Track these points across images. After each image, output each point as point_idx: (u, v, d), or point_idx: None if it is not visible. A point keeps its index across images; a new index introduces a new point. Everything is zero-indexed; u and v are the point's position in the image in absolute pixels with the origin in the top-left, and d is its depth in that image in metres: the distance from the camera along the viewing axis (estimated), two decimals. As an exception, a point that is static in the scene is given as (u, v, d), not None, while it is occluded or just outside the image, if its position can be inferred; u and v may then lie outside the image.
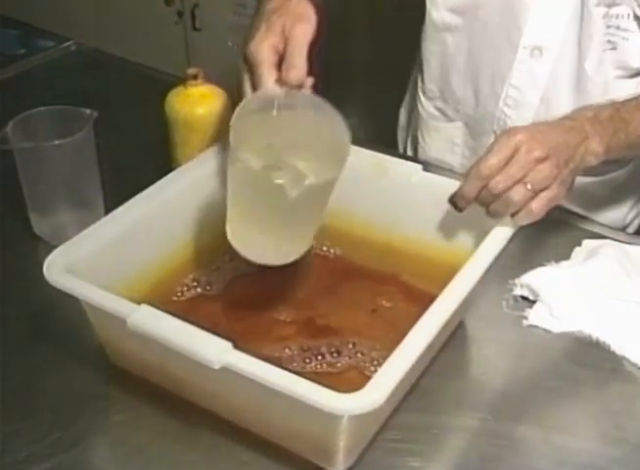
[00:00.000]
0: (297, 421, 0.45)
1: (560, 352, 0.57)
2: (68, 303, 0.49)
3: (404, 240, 0.60)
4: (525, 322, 0.59)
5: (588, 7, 0.63)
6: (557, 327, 0.58)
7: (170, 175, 0.59)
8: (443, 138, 0.79)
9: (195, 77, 0.69)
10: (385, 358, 0.43)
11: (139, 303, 0.47)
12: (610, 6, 0.62)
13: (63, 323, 0.58)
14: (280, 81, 0.51)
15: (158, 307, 0.46)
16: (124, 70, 0.95)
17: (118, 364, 0.54)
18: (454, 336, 0.57)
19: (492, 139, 0.73)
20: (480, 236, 0.53)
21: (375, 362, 0.52)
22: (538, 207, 0.51)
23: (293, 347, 0.54)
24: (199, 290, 0.59)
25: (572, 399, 0.54)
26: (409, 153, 0.85)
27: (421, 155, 0.82)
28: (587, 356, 0.56)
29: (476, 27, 0.70)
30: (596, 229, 0.68)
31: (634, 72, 0.65)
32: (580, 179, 0.55)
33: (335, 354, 0.53)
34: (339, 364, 0.53)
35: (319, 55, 0.52)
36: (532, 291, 0.60)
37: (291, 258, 0.52)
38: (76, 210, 0.65)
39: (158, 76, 0.92)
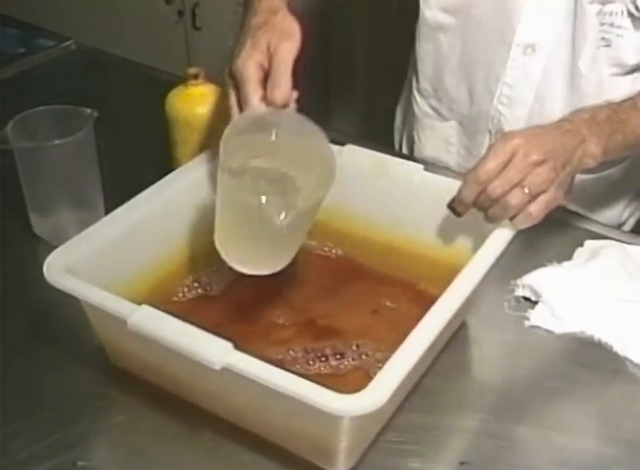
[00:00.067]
0: (298, 422, 0.45)
1: (562, 353, 0.57)
2: (68, 303, 0.49)
3: (405, 240, 0.60)
4: (526, 323, 0.58)
5: (582, 4, 0.63)
6: (559, 328, 0.58)
7: (171, 175, 0.59)
8: (438, 137, 0.79)
9: (195, 77, 0.69)
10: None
11: (139, 303, 0.46)
12: (603, 3, 0.62)
13: (63, 323, 0.58)
14: (265, 99, 0.51)
15: (158, 308, 0.46)
16: (125, 69, 0.95)
17: (119, 365, 0.54)
18: (456, 336, 0.57)
19: (487, 138, 0.75)
20: (482, 237, 0.53)
21: (379, 364, 0.52)
22: (537, 210, 0.51)
23: (296, 349, 0.54)
24: (199, 291, 0.59)
25: (574, 399, 0.54)
26: (405, 152, 0.85)
27: (416, 154, 0.82)
28: (589, 357, 0.56)
29: (469, 26, 0.70)
30: (598, 229, 0.68)
31: (629, 69, 0.65)
32: (576, 177, 0.55)
33: (338, 357, 0.53)
34: (342, 366, 0.53)
35: (304, 69, 0.52)
36: (534, 291, 0.60)
37: (277, 268, 0.52)
38: (76, 210, 0.65)
39: (158, 76, 0.91)
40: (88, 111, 0.63)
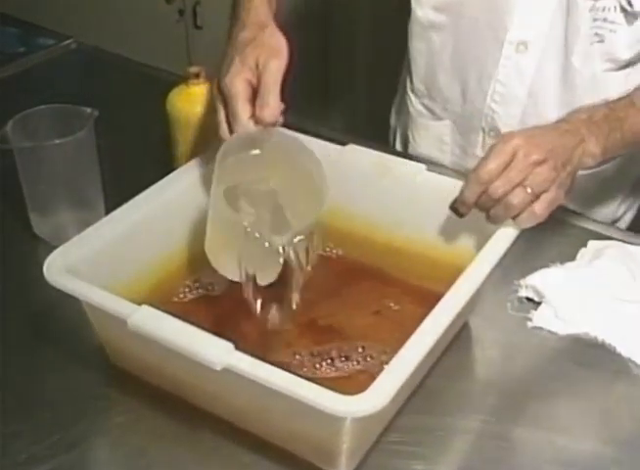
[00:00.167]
0: (299, 423, 0.45)
1: (564, 354, 0.57)
2: (68, 303, 0.49)
3: (407, 240, 0.60)
4: (529, 324, 0.58)
5: (574, 0, 0.63)
6: (562, 329, 0.58)
7: (171, 175, 0.59)
8: (432, 136, 0.79)
9: (196, 76, 0.68)
10: (395, 362, 0.43)
11: (139, 303, 0.46)
12: None
13: (63, 324, 0.58)
14: (254, 117, 0.52)
15: (158, 308, 0.46)
16: (125, 68, 0.95)
17: (119, 365, 0.54)
18: (458, 337, 0.57)
19: (481, 136, 0.75)
20: (484, 237, 0.53)
21: (385, 366, 0.52)
22: (541, 208, 0.51)
23: (303, 352, 0.53)
24: (200, 291, 0.59)
25: (577, 400, 0.54)
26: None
27: (411, 153, 0.82)
28: (592, 358, 0.56)
29: (460, 25, 0.70)
30: (601, 230, 0.68)
31: (622, 64, 0.65)
32: None
33: (344, 359, 0.53)
34: (346, 367, 0.53)
35: (291, 81, 0.53)
36: (537, 292, 0.59)
37: (266, 281, 0.53)
38: (76, 210, 0.65)
39: (159, 75, 0.91)
40: (88, 110, 0.63)
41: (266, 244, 0.50)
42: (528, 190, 0.51)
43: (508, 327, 0.58)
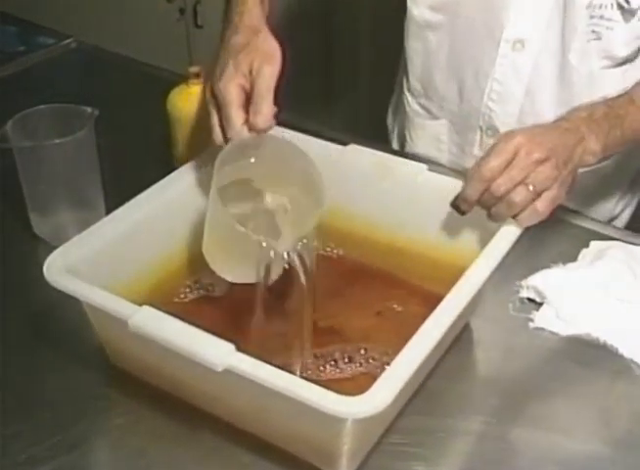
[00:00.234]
0: (300, 424, 0.45)
1: (566, 355, 0.56)
2: (68, 303, 0.49)
3: (408, 240, 0.59)
4: (531, 325, 0.58)
5: None
6: (564, 330, 0.57)
7: (172, 175, 0.59)
8: (429, 136, 0.79)
9: (197, 75, 0.68)
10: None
11: (140, 304, 0.46)
12: None
13: (63, 324, 0.58)
14: (247, 123, 0.52)
15: (159, 309, 0.46)
16: (125, 67, 0.94)
17: (119, 366, 0.54)
18: (460, 338, 0.57)
19: (478, 135, 0.75)
20: (486, 237, 0.53)
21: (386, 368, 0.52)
22: (543, 206, 0.51)
23: (305, 354, 0.53)
24: (201, 291, 0.59)
25: (579, 402, 0.54)
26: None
27: (409, 153, 0.82)
28: (594, 359, 0.56)
29: (457, 24, 0.70)
30: (603, 230, 0.68)
31: (620, 61, 0.65)
32: None
33: (347, 361, 0.53)
34: (349, 370, 0.53)
35: (292, 81, 0.54)
36: (539, 293, 0.59)
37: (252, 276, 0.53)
38: (77, 209, 0.65)
39: (159, 74, 0.91)
40: (89, 109, 0.63)
41: (272, 252, 0.50)
42: (530, 188, 0.51)
43: (509, 328, 0.58)
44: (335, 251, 0.63)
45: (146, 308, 0.46)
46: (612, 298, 0.58)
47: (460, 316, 0.47)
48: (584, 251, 0.63)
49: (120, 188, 0.59)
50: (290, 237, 0.52)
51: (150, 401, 0.52)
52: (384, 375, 0.42)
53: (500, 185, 0.51)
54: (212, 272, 0.60)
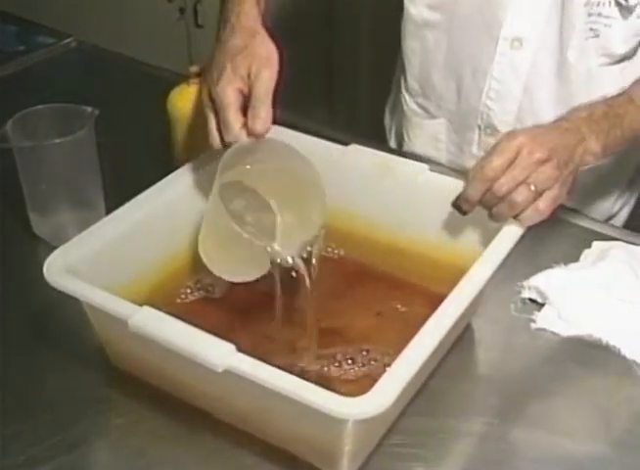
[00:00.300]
0: (301, 425, 0.45)
1: (568, 356, 0.56)
2: (68, 303, 0.49)
3: (409, 240, 0.59)
4: (533, 325, 0.58)
5: None
6: (566, 330, 0.57)
7: (172, 175, 0.59)
8: (427, 135, 0.79)
9: (197, 75, 0.68)
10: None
11: (140, 304, 0.46)
12: None
13: (63, 324, 0.58)
14: (245, 127, 0.52)
15: (160, 309, 0.46)
16: (126, 67, 0.94)
17: (119, 366, 0.54)
18: (461, 338, 0.56)
19: (476, 134, 0.75)
20: (487, 237, 0.53)
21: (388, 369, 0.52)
22: (545, 205, 0.52)
23: (305, 355, 0.53)
24: (202, 292, 0.59)
25: (581, 403, 0.54)
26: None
27: (407, 152, 0.82)
28: (596, 360, 0.56)
29: (454, 22, 0.70)
30: (605, 230, 0.67)
31: (618, 59, 0.65)
32: None
33: (350, 362, 0.53)
34: (352, 371, 0.52)
35: (282, 87, 0.53)
36: (541, 293, 0.59)
37: (257, 276, 0.53)
38: (77, 209, 0.65)
39: (159, 74, 0.91)
40: (89, 109, 0.63)
41: (278, 259, 0.51)
42: (532, 188, 0.51)
43: (511, 328, 0.58)
44: (336, 251, 0.63)
45: (146, 309, 0.45)
46: (614, 298, 0.58)
47: (461, 317, 0.46)
48: (586, 251, 0.63)
49: (120, 188, 0.59)
50: (293, 242, 0.52)
51: (150, 402, 0.52)
52: (385, 376, 0.42)
53: (502, 185, 0.51)
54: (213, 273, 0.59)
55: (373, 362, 0.53)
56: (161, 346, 0.44)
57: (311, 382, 0.41)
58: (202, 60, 0.71)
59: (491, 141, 0.73)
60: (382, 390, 0.41)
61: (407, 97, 0.79)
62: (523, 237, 0.52)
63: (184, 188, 0.58)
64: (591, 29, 0.63)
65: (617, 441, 0.51)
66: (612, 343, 0.56)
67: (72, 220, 0.64)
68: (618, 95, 0.58)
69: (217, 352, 0.43)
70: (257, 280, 0.53)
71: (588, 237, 0.65)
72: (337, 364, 0.53)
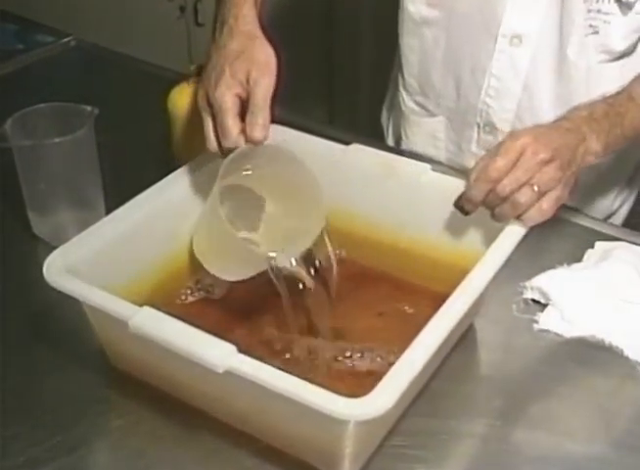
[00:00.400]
0: (302, 426, 0.45)
1: (571, 357, 0.56)
2: (67, 304, 0.49)
3: (410, 241, 0.59)
4: (535, 326, 0.58)
5: None
6: (569, 331, 0.57)
7: (172, 175, 0.58)
8: (425, 133, 0.79)
9: (198, 74, 0.67)
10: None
11: (140, 305, 0.46)
12: None
13: (62, 324, 0.57)
14: (244, 133, 0.52)
15: (160, 310, 0.45)
16: (125, 66, 0.94)
17: (119, 367, 0.54)
18: (464, 338, 0.56)
19: (475, 132, 0.75)
20: (490, 237, 0.52)
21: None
22: (548, 205, 0.51)
23: (302, 355, 0.53)
24: (202, 293, 0.58)
25: (583, 404, 0.53)
26: None
27: (406, 150, 0.81)
28: (599, 361, 0.55)
29: (453, 19, 0.69)
30: (608, 230, 0.67)
31: (617, 56, 0.65)
32: None
33: (350, 363, 0.53)
34: (353, 371, 0.52)
35: (279, 91, 0.53)
36: (543, 294, 0.59)
37: (252, 274, 0.54)
38: (76, 209, 0.64)
39: (159, 73, 0.91)
40: (88, 108, 0.62)
41: (275, 265, 0.51)
42: (535, 189, 0.51)
43: (513, 329, 0.58)
44: (337, 252, 0.62)
45: (146, 309, 0.45)
46: (617, 299, 0.58)
47: (464, 317, 0.46)
48: (589, 251, 0.63)
49: (120, 188, 0.59)
50: (291, 248, 0.53)
51: (150, 403, 0.51)
52: (386, 377, 0.41)
53: (506, 186, 0.50)
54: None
55: (375, 362, 0.53)
56: (162, 346, 0.44)
57: (312, 382, 0.41)
58: (202, 58, 0.71)
59: (490, 139, 0.73)
60: (383, 391, 0.41)
61: (405, 95, 0.78)
62: (525, 237, 0.52)
63: (184, 188, 0.58)
64: (590, 26, 0.63)
65: (619, 442, 0.50)
66: (615, 344, 0.56)
67: (72, 220, 0.64)
68: (618, 93, 0.58)
69: (218, 353, 0.42)
70: (257, 281, 0.52)
71: (590, 237, 0.65)
72: (337, 364, 0.52)
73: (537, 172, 0.51)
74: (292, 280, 0.53)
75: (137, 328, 0.44)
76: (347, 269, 0.61)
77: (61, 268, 0.48)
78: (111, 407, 0.52)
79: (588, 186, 0.73)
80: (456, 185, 0.55)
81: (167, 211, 0.56)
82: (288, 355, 0.53)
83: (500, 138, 0.54)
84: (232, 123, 0.51)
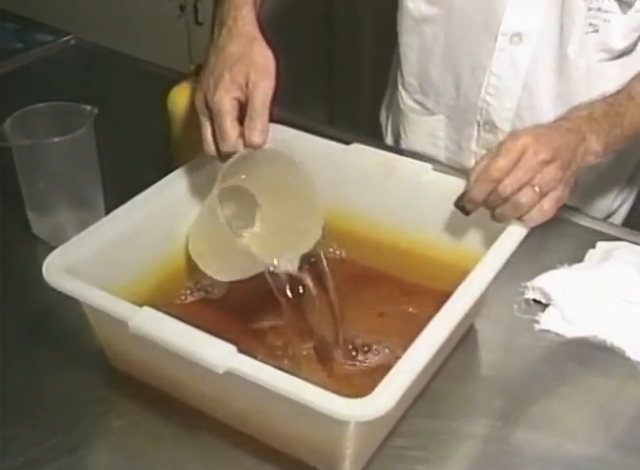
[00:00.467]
0: (303, 427, 0.45)
1: (572, 357, 0.56)
2: (67, 304, 0.49)
3: (411, 241, 0.59)
4: (537, 326, 0.58)
5: None
6: (570, 332, 0.57)
7: (172, 175, 0.58)
8: (425, 132, 0.79)
9: (197, 73, 0.67)
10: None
11: (140, 305, 0.46)
12: None
13: (62, 325, 0.57)
14: (242, 137, 0.52)
15: (159, 310, 0.45)
16: (125, 65, 0.94)
17: (119, 367, 0.53)
18: (464, 339, 0.56)
19: (475, 130, 0.74)
20: (490, 237, 0.52)
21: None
22: (549, 206, 0.51)
23: (297, 352, 0.53)
24: (202, 293, 0.58)
25: (584, 405, 0.53)
26: None
27: (404, 149, 0.81)
28: (601, 362, 0.55)
29: (453, 17, 0.69)
30: (609, 230, 0.67)
31: (617, 54, 0.65)
32: None
33: (351, 363, 0.53)
34: (354, 371, 0.52)
35: (278, 94, 0.53)
36: (545, 294, 0.59)
37: (249, 274, 0.54)
38: (76, 209, 0.64)
39: (159, 72, 0.91)
40: (88, 108, 0.62)
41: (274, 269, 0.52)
42: (536, 189, 0.51)
43: (515, 329, 0.58)
44: (337, 252, 0.62)
45: (146, 310, 0.45)
46: (618, 299, 0.58)
47: (465, 318, 0.46)
48: (591, 251, 0.63)
49: (120, 187, 0.58)
50: (287, 253, 0.53)
51: (150, 403, 0.51)
52: (387, 377, 0.41)
53: (507, 186, 0.50)
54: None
55: (375, 362, 0.52)
56: (162, 347, 0.44)
57: (313, 383, 0.41)
58: (202, 58, 0.71)
59: (490, 137, 0.73)
60: (384, 391, 0.41)
61: (404, 93, 0.78)
62: (526, 237, 0.52)
63: (184, 188, 0.58)
64: (591, 24, 0.63)
65: (619, 442, 0.50)
66: (616, 344, 0.56)
67: (72, 220, 0.64)
68: (618, 92, 0.58)
69: (218, 354, 0.42)
70: (257, 281, 0.52)
71: (590, 236, 0.65)
72: (337, 365, 0.52)
73: (538, 173, 0.51)
74: (292, 281, 0.53)
75: (137, 328, 0.44)
76: (348, 270, 0.61)
77: (60, 268, 0.48)
78: (111, 408, 0.52)
79: (588, 186, 0.73)
80: (456, 185, 0.54)
81: (167, 212, 0.56)
82: (288, 356, 0.53)
83: (500, 137, 0.54)
84: (230, 127, 0.51)
